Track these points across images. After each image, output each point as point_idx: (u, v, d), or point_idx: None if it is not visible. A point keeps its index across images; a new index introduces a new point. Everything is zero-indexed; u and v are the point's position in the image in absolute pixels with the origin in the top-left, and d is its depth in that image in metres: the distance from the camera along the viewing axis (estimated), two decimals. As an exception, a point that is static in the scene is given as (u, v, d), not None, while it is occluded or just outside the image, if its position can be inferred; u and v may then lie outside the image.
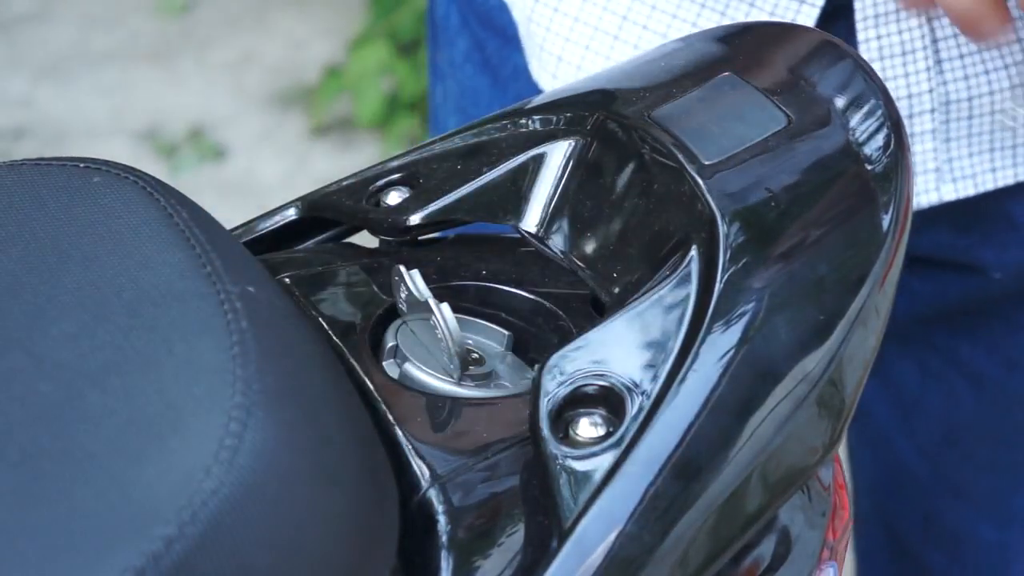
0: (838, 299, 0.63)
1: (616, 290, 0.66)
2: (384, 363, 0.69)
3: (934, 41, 0.85)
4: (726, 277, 0.62)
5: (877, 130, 0.67)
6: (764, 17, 0.84)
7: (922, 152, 0.88)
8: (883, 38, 0.85)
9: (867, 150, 0.67)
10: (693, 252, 0.64)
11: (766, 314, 0.62)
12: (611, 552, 0.58)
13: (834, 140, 0.67)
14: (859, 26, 0.85)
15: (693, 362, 0.60)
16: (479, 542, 0.62)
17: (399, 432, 0.64)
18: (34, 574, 0.52)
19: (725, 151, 0.66)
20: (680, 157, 0.65)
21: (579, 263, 0.69)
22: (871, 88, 0.69)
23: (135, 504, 0.53)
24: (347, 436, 0.59)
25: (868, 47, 0.85)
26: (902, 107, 0.86)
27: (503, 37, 0.96)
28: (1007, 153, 0.90)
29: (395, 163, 0.74)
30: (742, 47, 0.71)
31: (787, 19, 0.84)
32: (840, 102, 0.68)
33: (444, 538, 0.61)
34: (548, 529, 0.59)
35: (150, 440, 0.55)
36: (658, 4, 0.86)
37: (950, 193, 0.90)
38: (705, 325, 0.61)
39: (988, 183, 0.90)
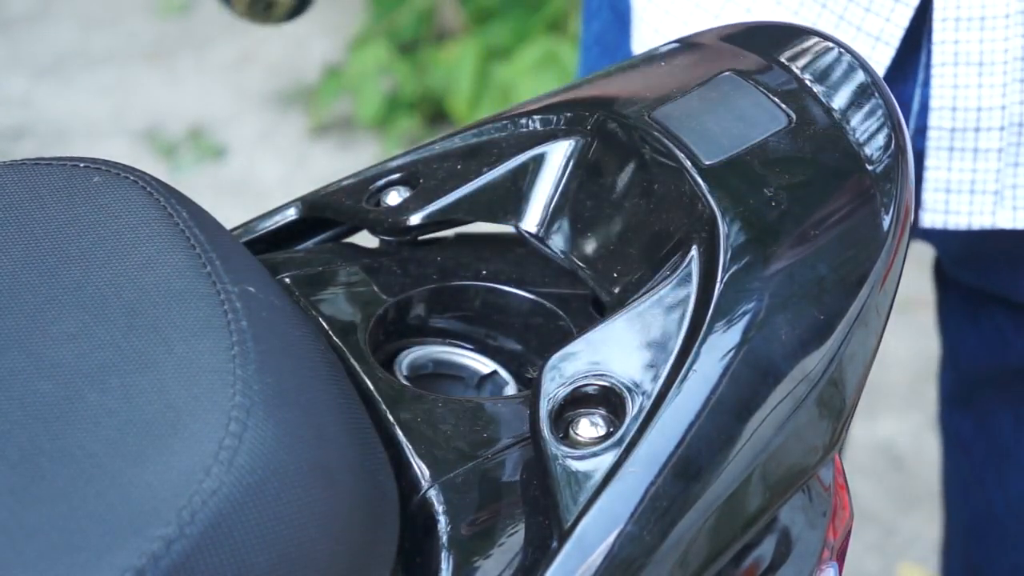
0: (839, 299, 0.63)
1: (616, 290, 0.66)
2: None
3: (1023, 58, 0.81)
4: (727, 277, 0.62)
5: (878, 130, 0.67)
6: (860, 13, 0.82)
7: (984, 171, 0.83)
8: (960, 43, 0.81)
9: (868, 150, 0.67)
10: (693, 252, 0.63)
11: (767, 314, 0.62)
12: (611, 552, 0.58)
13: (835, 140, 0.67)
14: (936, 27, 0.81)
15: (694, 362, 0.60)
16: (479, 542, 0.61)
17: (399, 432, 0.64)
18: (34, 574, 0.52)
19: (726, 151, 0.66)
20: (681, 157, 0.65)
21: (579, 263, 0.69)
22: (873, 89, 0.69)
23: (135, 504, 0.53)
24: (347, 436, 0.59)
25: (943, 49, 0.81)
26: (969, 119, 0.82)
27: (621, 22, 0.97)
28: None
29: (395, 163, 0.74)
30: (743, 47, 0.71)
31: (881, 16, 0.82)
32: (841, 102, 0.68)
33: (444, 538, 0.61)
34: (548, 529, 0.59)
35: (150, 440, 0.55)
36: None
37: (1007, 221, 0.84)
38: (706, 325, 0.61)
39: None
